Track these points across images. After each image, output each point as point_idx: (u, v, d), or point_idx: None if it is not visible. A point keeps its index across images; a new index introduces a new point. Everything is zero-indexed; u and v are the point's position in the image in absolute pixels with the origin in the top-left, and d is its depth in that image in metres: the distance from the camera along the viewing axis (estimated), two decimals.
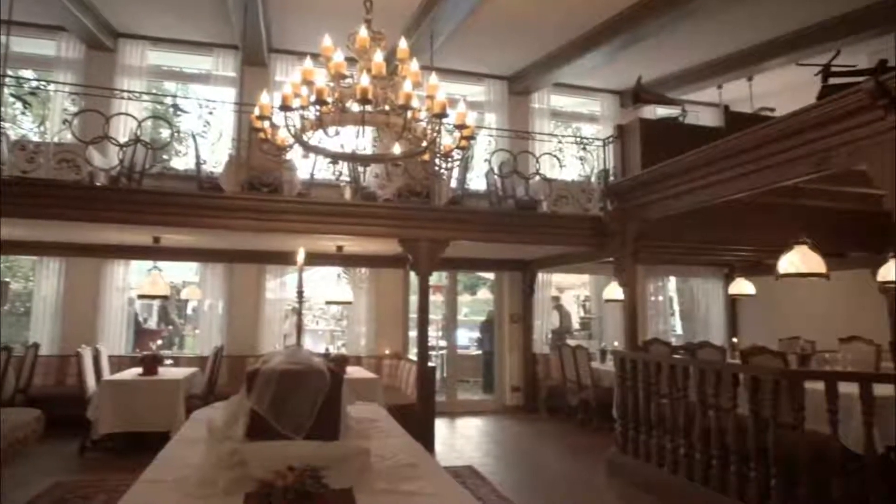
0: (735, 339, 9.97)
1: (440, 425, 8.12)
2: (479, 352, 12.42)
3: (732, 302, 10.86)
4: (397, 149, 3.68)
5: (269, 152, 3.67)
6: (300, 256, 3.38)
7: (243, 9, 7.90)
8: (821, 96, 5.23)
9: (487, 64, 10.07)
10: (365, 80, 3.16)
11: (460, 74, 10.13)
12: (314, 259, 8.40)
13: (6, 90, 7.40)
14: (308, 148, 3.51)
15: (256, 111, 3.48)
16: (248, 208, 6.71)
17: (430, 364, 7.47)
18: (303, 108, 3.33)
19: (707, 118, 10.84)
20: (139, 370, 7.19)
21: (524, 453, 7.61)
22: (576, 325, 12.86)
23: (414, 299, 8.88)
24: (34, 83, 8.76)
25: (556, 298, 11.59)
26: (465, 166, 8.60)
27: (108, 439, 6.64)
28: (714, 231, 7.22)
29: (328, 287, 8.72)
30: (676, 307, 11.96)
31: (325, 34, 3.45)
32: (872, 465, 4.16)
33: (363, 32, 3.49)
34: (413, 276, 7.68)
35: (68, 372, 8.13)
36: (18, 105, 8.68)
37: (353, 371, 7.70)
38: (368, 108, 3.22)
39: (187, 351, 10.67)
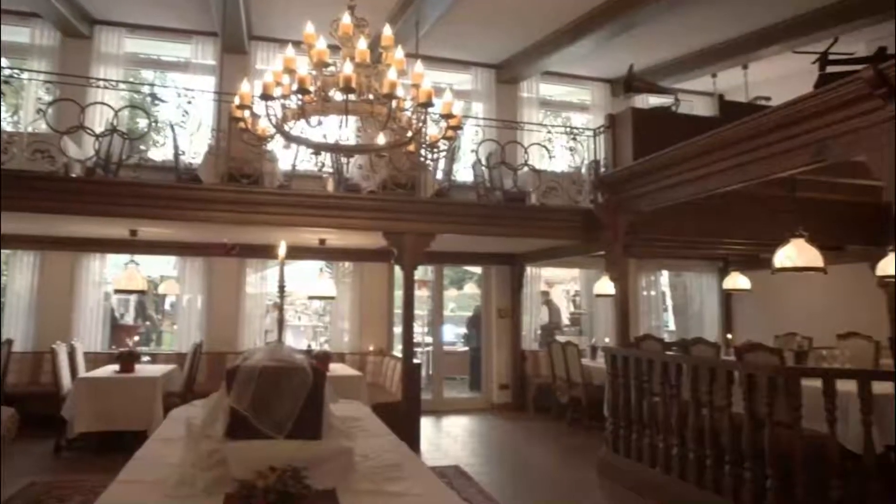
0: (730, 336, 9.97)
1: (426, 424, 8.05)
2: (466, 348, 12.37)
3: (727, 297, 10.80)
4: (382, 139, 3.67)
5: (249, 142, 3.66)
6: (281, 250, 3.34)
7: None
8: (818, 85, 5.19)
9: (474, 52, 9.96)
10: (348, 69, 3.16)
11: (447, 62, 10.01)
12: (296, 253, 8.28)
13: None
14: (290, 138, 3.50)
15: (237, 100, 3.45)
16: (227, 200, 6.67)
17: (415, 361, 7.42)
18: (284, 97, 3.32)
19: (701, 108, 10.82)
20: (115, 367, 7.12)
21: (512, 453, 7.56)
22: (565, 320, 12.80)
23: (399, 294, 8.78)
24: (7, 71, 8.54)
25: (546, 293, 11.54)
26: (452, 157, 8.58)
27: (83, 438, 6.57)
28: (708, 224, 7.17)
29: (310, 281, 8.62)
30: (669, 302, 11.93)
31: (307, 21, 3.47)
32: (871, 464, 4.11)
33: (346, 19, 3.49)
34: (398, 271, 7.61)
35: (43, 369, 8.02)
36: None
37: (336, 368, 7.68)
38: (352, 96, 3.21)
39: (165, 347, 10.70)
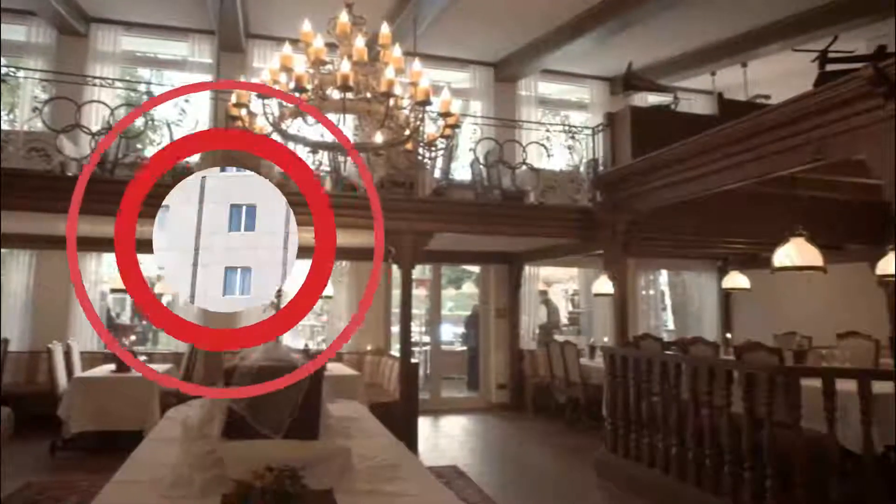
0: (729, 335, 9.93)
1: (423, 424, 7.98)
2: (464, 348, 12.34)
3: (726, 296, 10.78)
4: (379, 137, 3.66)
5: None
6: None
7: None
8: (818, 83, 5.20)
9: (473, 49, 9.94)
10: (346, 67, 3.16)
11: (444, 60, 9.98)
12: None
13: None
14: (287, 137, 3.51)
15: (233, 98, 3.47)
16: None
17: (413, 360, 7.39)
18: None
19: (700, 106, 10.74)
20: (112, 367, 7.08)
21: (510, 453, 7.53)
22: (564, 320, 12.76)
23: (396, 293, 8.74)
24: (3, 69, 8.52)
25: (544, 293, 11.50)
26: (450, 156, 8.52)
27: (79, 438, 6.53)
28: (707, 223, 7.17)
29: None
30: (668, 302, 11.86)
31: (304, 19, 3.45)
32: (871, 464, 4.09)
33: (344, 17, 3.49)
34: (396, 270, 7.56)
35: (39, 369, 8.02)
36: None
37: (333, 368, 7.60)
38: (349, 95, 3.22)
39: (161, 347, 10.54)
